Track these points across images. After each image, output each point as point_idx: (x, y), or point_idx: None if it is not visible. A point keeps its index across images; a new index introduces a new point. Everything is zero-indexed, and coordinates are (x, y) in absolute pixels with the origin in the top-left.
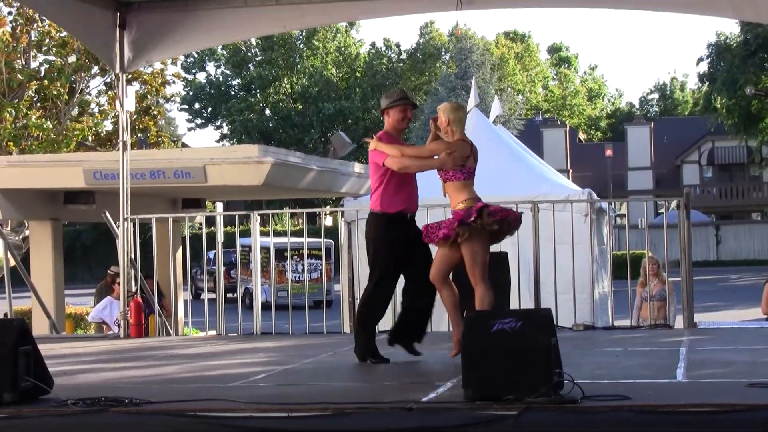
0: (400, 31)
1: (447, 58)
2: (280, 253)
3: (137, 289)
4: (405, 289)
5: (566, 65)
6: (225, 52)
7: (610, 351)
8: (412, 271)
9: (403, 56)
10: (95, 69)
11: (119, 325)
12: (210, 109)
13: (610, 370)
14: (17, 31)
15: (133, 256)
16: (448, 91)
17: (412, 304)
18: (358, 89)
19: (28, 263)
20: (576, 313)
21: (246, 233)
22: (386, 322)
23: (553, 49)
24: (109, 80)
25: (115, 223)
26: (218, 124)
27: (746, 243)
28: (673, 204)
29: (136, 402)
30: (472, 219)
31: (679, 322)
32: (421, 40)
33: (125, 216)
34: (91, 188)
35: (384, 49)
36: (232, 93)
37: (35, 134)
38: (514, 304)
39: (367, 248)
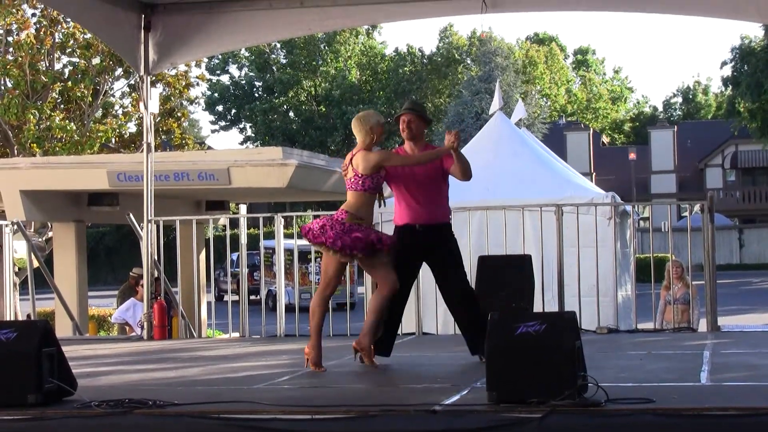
0: (421, 36)
1: (468, 61)
2: (304, 255)
3: (157, 290)
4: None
5: (585, 68)
6: (248, 54)
7: (633, 354)
8: (441, 283)
9: (425, 61)
10: (119, 71)
11: (142, 327)
12: (234, 111)
13: (634, 373)
14: (41, 33)
15: (156, 257)
16: (471, 94)
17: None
18: (381, 92)
19: (52, 265)
20: (600, 316)
21: (270, 235)
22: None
23: (579, 52)
24: (132, 82)
25: (139, 225)
26: (242, 126)
27: None
28: (697, 207)
29: (159, 404)
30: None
31: (702, 326)
32: (440, 44)
33: (149, 218)
34: (114, 190)
35: (406, 54)
36: (256, 95)
37: (59, 136)
38: (537, 307)
39: None
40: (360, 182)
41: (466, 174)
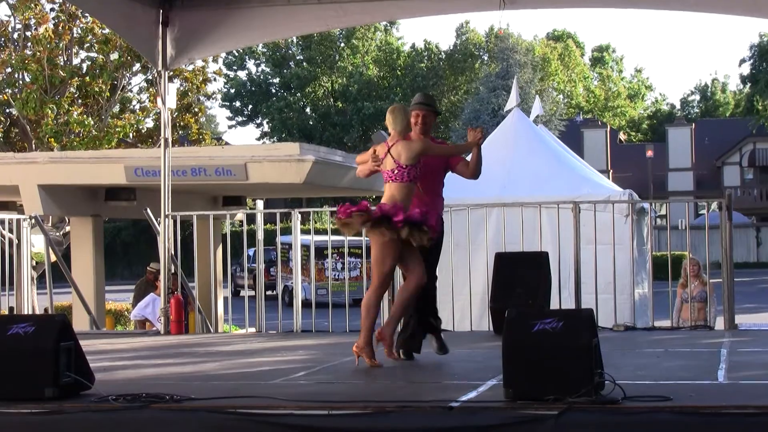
0: (437, 33)
1: (486, 58)
2: (320, 251)
3: (174, 285)
4: None
5: (601, 65)
6: (265, 50)
7: (650, 352)
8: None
9: (442, 56)
10: (137, 66)
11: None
12: (251, 106)
13: (651, 371)
14: (60, 28)
15: (173, 252)
16: (488, 91)
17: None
18: (398, 88)
19: (69, 259)
20: (616, 314)
21: (286, 231)
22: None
23: (597, 50)
24: (150, 77)
25: (156, 220)
26: (259, 121)
27: None
28: (714, 205)
29: (176, 398)
30: (348, 213)
31: (719, 324)
32: (457, 41)
33: (166, 213)
34: (132, 185)
35: (423, 50)
36: (273, 91)
37: (76, 131)
38: (554, 305)
39: None
40: (405, 173)
41: (476, 173)
